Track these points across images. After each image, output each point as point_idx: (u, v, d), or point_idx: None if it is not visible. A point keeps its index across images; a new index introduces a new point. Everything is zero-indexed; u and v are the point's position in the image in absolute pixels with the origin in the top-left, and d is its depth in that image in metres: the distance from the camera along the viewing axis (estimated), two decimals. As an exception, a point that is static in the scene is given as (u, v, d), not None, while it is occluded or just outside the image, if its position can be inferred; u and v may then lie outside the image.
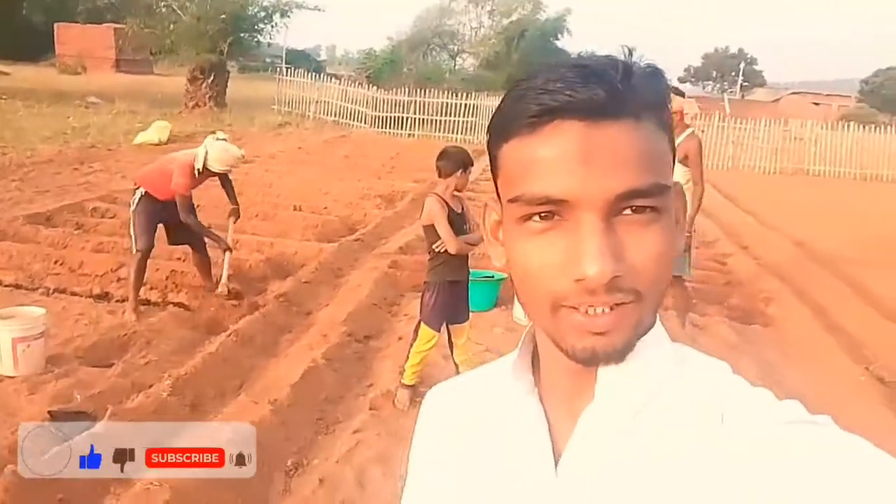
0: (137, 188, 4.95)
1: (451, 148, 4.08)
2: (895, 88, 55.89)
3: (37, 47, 35.51)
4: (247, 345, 4.41)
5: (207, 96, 20.89)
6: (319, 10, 22.29)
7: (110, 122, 15.98)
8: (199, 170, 4.87)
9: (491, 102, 21.13)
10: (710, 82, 76.95)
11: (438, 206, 3.87)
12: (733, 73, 72.25)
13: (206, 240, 5.32)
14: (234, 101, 22.10)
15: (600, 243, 0.53)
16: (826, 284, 6.98)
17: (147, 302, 5.25)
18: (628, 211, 0.54)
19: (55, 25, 34.99)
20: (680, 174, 4.86)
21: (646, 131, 0.55)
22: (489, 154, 0.61)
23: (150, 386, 3.67)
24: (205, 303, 5.16)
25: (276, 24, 22.47)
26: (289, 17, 22.23)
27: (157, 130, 13.96)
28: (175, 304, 5.22)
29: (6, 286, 5.33)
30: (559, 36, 44.27)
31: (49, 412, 3.32)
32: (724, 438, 0.56)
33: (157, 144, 12.97)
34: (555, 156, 0.54)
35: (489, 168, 0.63)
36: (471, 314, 5.47)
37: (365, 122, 20.83)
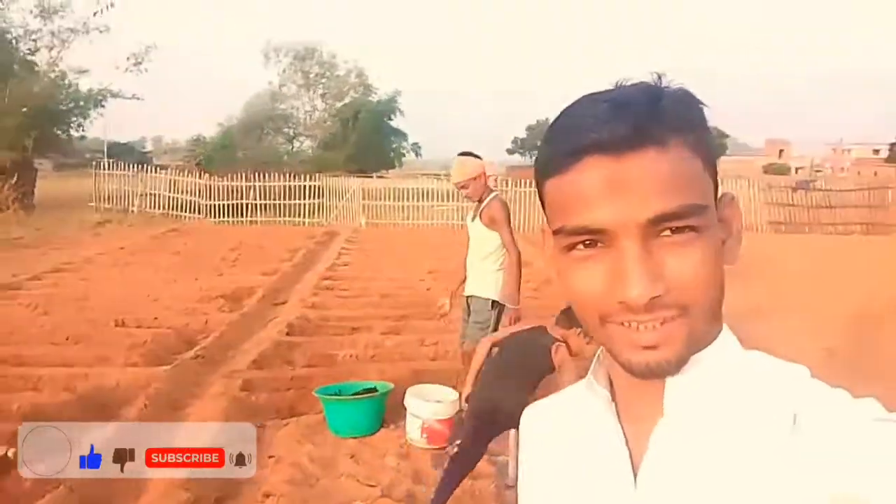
0: None
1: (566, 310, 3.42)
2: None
3: None
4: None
5: (11, 199, 18.38)
6: (138, 98, 20.71)
7: None
8: None
9: (335, 182, 20.35)
10: (536, 152, 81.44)
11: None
12: (557, 142, 76.95)
13: None
14: (47, 203, 19.67)
15: (640, 267, 0.56)
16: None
17: None
18: (667, 233, 0.58)
19: None
20: (492, 239, 4.38)
21: (674, 155, 0.58)
22: (537, 188, 0.66)
23: None
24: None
25: (89, 116, 20.50)
26: (103, 107, 20.38)
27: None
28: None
29: None
30: (392, 116, 44.97)
31: None
32: (799, 441, 0.56)
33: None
34: (589, 189, 0.58)
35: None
36: (354, 440, 4.46)
37: (199, 213, 19.21)
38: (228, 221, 18.88)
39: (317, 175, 20.19)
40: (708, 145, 0.61)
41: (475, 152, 4.55)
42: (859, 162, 72.32)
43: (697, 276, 0.57)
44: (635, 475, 0.63)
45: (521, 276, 4.42)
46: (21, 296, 8.48)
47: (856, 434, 0.54)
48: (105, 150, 47.29)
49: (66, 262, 11.30)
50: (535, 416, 0.80)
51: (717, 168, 0.63)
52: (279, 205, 19.41)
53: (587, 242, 0.60)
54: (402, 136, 48.07)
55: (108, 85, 20.21)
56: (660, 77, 0.61)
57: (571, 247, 0.61)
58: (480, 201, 4.42)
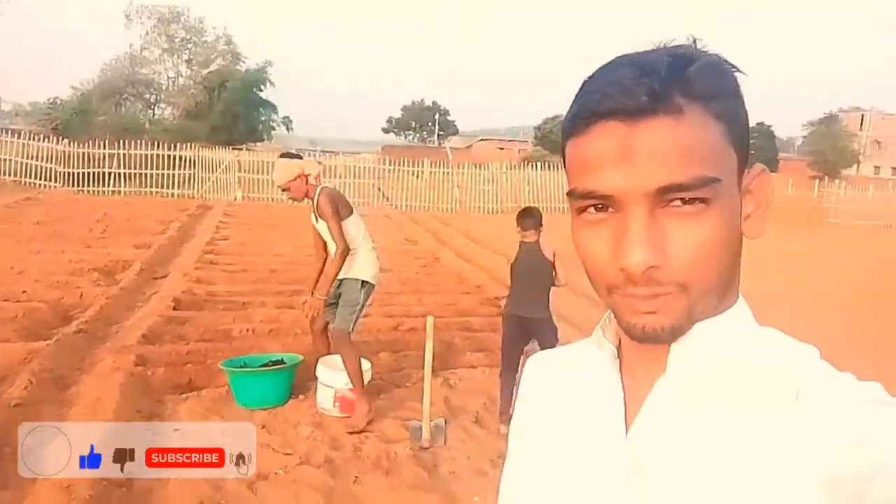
0: None
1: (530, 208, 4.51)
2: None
3: None
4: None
5: None
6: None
7: None
8: None
9: (207, 153, 19.48)
10: (411, 132, 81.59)
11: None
12: (430, 124, 77.54)
13: None
14: None
15: (641, 234, 0.56)
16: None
17: None
18: (676, 202, 0.57)
19: None
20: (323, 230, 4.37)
21: (691, 124, 0.57)
22: (561, 147, 0.65)
23: None
24: None
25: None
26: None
27: None
28: None
29: None
30: (262, 87, 43.42)
31: None
32: (798, 416, 0.56)
33: None
34: (601, 154, 0.58)
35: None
36: (263, 411, 4.44)
37: (56, 181, 17.78)
38: (89, 191, 17.61)
39: (186, 145, 19.22)
40: (736, 114, 0.60)
41: (293, 150, 4.40)
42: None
43: (700, 251, 0.57)
44: (628, 428, 0.65)
45: (339, 271, 4.31)
46: None
47: (855, 414, 0.54)
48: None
49: None
50: (539, 363, 0.82)
51: (747, 138, 0.62)
52: (144, 174, 18.34)
53: (598, 206, 0.60)
54: (271, 108, 46.48)
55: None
56: (695, 41, 0.61)
57: (583, 209, 0.61)
58: (311, 199, 4.37)
